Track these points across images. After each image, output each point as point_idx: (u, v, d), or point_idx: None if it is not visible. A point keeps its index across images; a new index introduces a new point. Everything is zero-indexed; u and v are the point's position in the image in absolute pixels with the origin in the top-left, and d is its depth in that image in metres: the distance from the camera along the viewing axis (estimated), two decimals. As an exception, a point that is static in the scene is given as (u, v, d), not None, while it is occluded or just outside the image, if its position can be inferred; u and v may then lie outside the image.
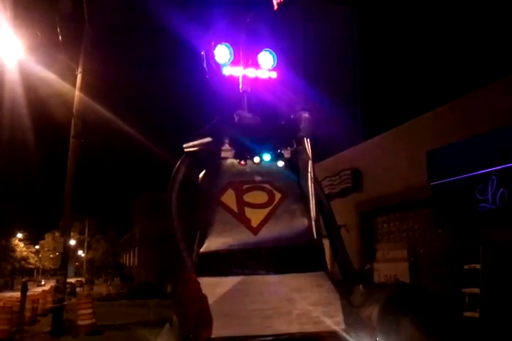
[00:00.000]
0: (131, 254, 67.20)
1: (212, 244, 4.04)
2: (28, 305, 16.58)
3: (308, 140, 4.60)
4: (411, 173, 11.93)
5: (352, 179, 14.79)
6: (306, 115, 4.65)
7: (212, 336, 3.39)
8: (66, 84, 18.15)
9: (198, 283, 3.56)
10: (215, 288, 3.74)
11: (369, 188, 14.41)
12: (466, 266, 10.09)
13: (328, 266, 4.43)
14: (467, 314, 9.74)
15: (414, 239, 12.82)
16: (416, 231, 12.82)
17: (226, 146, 4.46)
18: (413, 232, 12.92)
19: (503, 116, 9.09)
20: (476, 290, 9.69)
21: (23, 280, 12.88)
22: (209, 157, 4.50)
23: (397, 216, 13.66)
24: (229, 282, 3.84)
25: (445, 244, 11.71)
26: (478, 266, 9.79)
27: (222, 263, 3.98)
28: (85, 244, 71.31)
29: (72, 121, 17.57)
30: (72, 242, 58.87)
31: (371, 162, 14.23)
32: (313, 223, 4.31)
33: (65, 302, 17.49)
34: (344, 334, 3.65)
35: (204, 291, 3.51)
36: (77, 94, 17.79)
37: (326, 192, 13.23)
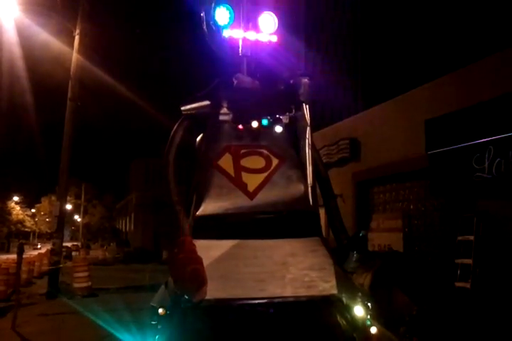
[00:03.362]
0: (128, 220, 67.59)
1: (208, 207, 4.04)
2: (24, 268, 16.76)
3: (307, 106, 4.56)
4: (409, 144, 11.92)
5: (350, 149, 14.76)
6: (305, 80, 4.60)
7: (207, 297, 3.42)
8: (64, 46, 17.92)
9: (194, 245, 3.57)
10: (210, 250, 3.75)
11: (366, 158, 14.41)
12: (459, 237, 10.17)
13: (324, 234, 4.45)
14: (459, 284, 9.87)
15: (409, 209, 12.89)
16: (411, 202, 12.88)
17: (224, 110, 4.41)
18: (408, 203, 12.98)
19: (503, 86, 9.06)
20: (469, 261, 9.80)
21: (20, 242, 12.96)
22: (207, 120, 4.46)
23: (393, 186, 13.70)
24: (224, 245, 3.86)
25: (440, 216, 11.79)
26: (471, 238, 9.87)
27: (218, 227, 3.99)
28: (81, 209, 71.62)
29: (70, 84, 17.42)
30: (69, 207, 59.01)
31: (370, 132, 14.19)
32: (309, 189, 4.30)
33: (61, 265, 17.67)
34: (336, 299, 3.68)
35: (199, 253, 3.53)
36: (74, 56, 17.58)
37: (324, 161, 13.25)
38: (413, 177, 12.61)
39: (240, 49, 5.06)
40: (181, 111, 4.50)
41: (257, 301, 3.55)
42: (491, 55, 10.21)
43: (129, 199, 66.26)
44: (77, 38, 17.75)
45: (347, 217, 5.48)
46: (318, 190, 4.61)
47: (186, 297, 3.36)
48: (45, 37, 17.67)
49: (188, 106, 4.51)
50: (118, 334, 7.82)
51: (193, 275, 3.34)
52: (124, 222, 72.62)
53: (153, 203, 50.60)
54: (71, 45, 17.88)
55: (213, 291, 3.45)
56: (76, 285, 16.03)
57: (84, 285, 16.04)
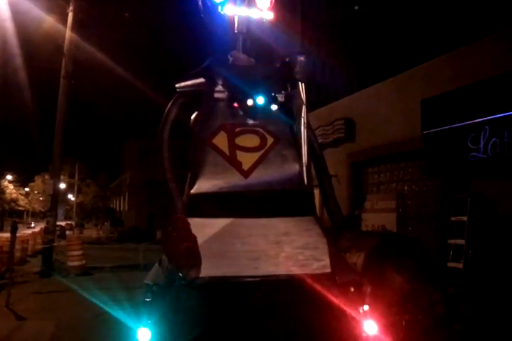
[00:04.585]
0: (122, 199, 67.61)
1: (202, 185, 4.02)
2: (18, 246, 16.74)
3: (303, 84, 4.51)
4: (404, 124, 11.90)
5: (345, 129, 14.75)
6: (302, 58, 4.54)
7: (201, 275, 3.42)
8: (57, 23, 17.71)
9: (188, 223, 3.56)
10: (204, 228, 3.74)
11: (361, 139, 14.40)
12: (453, 218, 10.23)
13: (318, 214, 4.44)
14: (451, 264, 9.96)
15: (403, 190, 12.93)
16: (406, 182, 12.92)
17: (219, 87, 4.36)
18: (403, 184, 13.02)
19: (499, 66, 9.03)
20: (462, 242, 9.87)
21: (13, 220, 12.94)
22: (202, 98, 4.42)
23: (387, 167, 13.72)
24: (218, 223, 3.85)
25: (433, 196, 11.83)
26: (464, 218, 9.93)
27: (212, 205, 3.97)
28: (75, 188, 71.55)
29: (63, 62, 17.25)
30: (62, 186, 58.95)
31: (365, 112, 14.15)
32: (304, 168, 4.28)
33: (55, 244, 17.69)
34: (330, 278, 3.69)
35: (193, 232, 3.52)
36: (67, 33, 17.38)
37: (319, 141, 13.24)
38: (408, 158, 12.62)
39: (236, 26, 5.00)
40: (176, 88, 4.46)
41: (250, 279, 3.55)
42: (488, 36, 10.18)
43: (123, 178, 66.19)
44: (70, 14, 17.53)
45: (341, 198, 5.48)
46: (313, 170, 4.59)
47: (180, 274, 3.36)
48: (37, 13, 17.43)
49: (183, 84, 4.46)
50: (112, 312, 7.86)
51: (187, 253, 3.34)
52: (118, 201, 72.65)
53: (147, 183, 50.58)
54: (65, 22, 17.65)
55: (207, 269, 3.45)
56: (70, 263, 16.05)
57: (78, 263, 16.08)
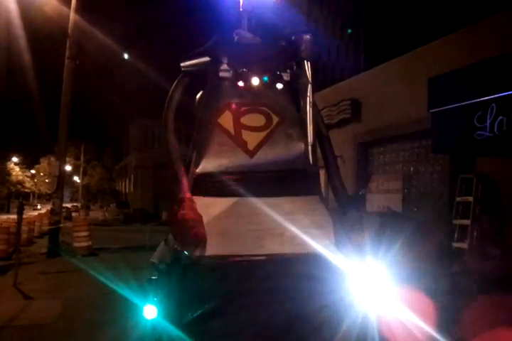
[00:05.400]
0: (127, 181, 67.81)
1: (208, 164, 4.01)
2: (24, 227, 16.87)
3: (309, 63, 4.46)
4: (410, 105, 11.84)
5: (351, 109, 14.68)
6: (307, 37, 4.48)
7: (206, 254, 3.44)
8: (61, 5, 17.61)
9: (194, 203, 3.56)
10: (209, 208, 3.74)
11: (367, 119, 14.35)
12: (458, 198, 10.24)
13: (323, 193, 4.43)
14: (456, 245, 10.00)
15: (409, 171, 12.92)
16: (411, 163, 12.89)
17: (224, 66, 4.32)
18: (408, 164, 13.00)
19: (506, 45, 8.96)
20: (467, 222, 9.90)
21: (20, 201, 12.98)
22: (207, 77, 4.38)
23: (393, 148, 13.69)
24: (224, 203, 3.85)
25: (439, 177, 11.82)
26: (470, 199, 9.94)
27: (218, 184, 3.96)
28: (81, 170, 71.73)
29: (68, 42, 17.17)
30: (68, 168, 59.13)
31: (371, 93, 14.08)
32: (309, 148, 4.26)
33: (61, 225, 17.80)
34: (334, 257, 3.70)
35: (199, 211, 3.52)
36: (72, 14, 17.27)
37: (325, 122, 13.20)
38: (414, 139, 12.58)
39: (241, 4, 4.94)
40: (180, 67, 4.42)
41: (256, 258, 3.56)
42: (495, 14, 10.08)
43: (128, 160, 66.27)
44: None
45: (347, 179, 5.46)
46: (318, 150, 4.57)
47: (186, 253, 3.38)
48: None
49: (188, 63, 4.42)
50: (119, 290, 7.93)
51: (193, 231, 3.35)
52: (123, 183, 72.87)
53: (152, 165, 50.69)
54: (69, 2, 17.55)
55: (213, 248, 3.46)
56: (76, 244, 16.17)
57: (85, 244, 16.18)
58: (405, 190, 12.73)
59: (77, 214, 45.86)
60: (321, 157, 4.65)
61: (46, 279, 11.49)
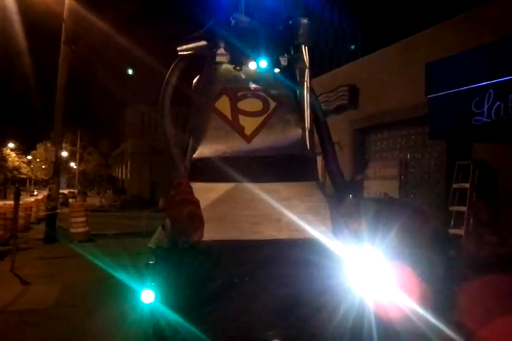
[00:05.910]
0: (124, 168, 67.69)
1: (205, 150, 3.99)
2: (21, 213, 16.86)
3: (306, 47, 4.42)
4: (408, 91, 11.81)
5: (348, 96, 14.64)
6: (305, 21, 4.43)
7: (203, 239, 3.43)
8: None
9: (191, 188, 3.54)
10: (207, 193, 3.73)
11: (365, 106, 14.31)
12: (455, 185, 10.26)
13: (320, 179, 4.42)
14: (452, 231, 10.04)
15: (406, 157, 12.93)
16: (408, 150, 12.90)
17: (221, 51, 4.28)
18: (406, 151, 13.00)
19: (504, 30, 8.92)
20: (463, 209, 9.93)
21: (16, 186, 12.97)
22: (203, 61, 4.35)
23: (390, 134, 13.68)
24: (221, 188, 3.83)
25: (436, 164, 11.84)
26: (467, 185, 9.96)
27: (215, 170, 3.94)
28: (77, 156, 71.56)
29: (63, 27, 17.03)
30: (65, 154, 58.92)
31: (369, 79, 14.03)
32: (307, 133, 4.24)
33: (58, 211, 17.79)
34: (331, 242, 3.70)
35: (196, 196, 3.51)
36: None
37: (322, 108, 13.18)
38: (411, 125, 12.57)
39: (238, -12, 4.90)
40: (177, 51, 4.38)
41: (253, 243, 3.57)
42: (492, 0, 10.05)
43: (124, 146, 66.08)
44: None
45: (344, 165, 5.45)
46: (316, 135, 4.55)
47: (183, 238, 3.38)
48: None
49: (184, 47, 4.38)
50: (117, 275, 7.96)
51: (190, 216, 3.33)
52: (120, 169, 72.75)
53: (149, 151, 50.59)
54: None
55: (210, 233, 3.45)
56: (73, 230, 16.18)
57: (82, 230, 16.20)
58: (402, 177, 12.75)
59: (74, 200, 45.81)
60: (318, 143, 4.64)
61: (43, 265, 11.52)
